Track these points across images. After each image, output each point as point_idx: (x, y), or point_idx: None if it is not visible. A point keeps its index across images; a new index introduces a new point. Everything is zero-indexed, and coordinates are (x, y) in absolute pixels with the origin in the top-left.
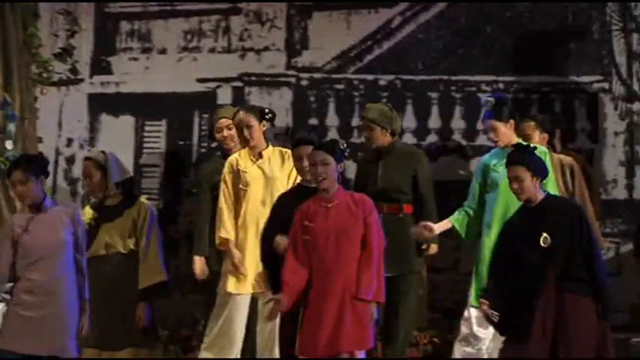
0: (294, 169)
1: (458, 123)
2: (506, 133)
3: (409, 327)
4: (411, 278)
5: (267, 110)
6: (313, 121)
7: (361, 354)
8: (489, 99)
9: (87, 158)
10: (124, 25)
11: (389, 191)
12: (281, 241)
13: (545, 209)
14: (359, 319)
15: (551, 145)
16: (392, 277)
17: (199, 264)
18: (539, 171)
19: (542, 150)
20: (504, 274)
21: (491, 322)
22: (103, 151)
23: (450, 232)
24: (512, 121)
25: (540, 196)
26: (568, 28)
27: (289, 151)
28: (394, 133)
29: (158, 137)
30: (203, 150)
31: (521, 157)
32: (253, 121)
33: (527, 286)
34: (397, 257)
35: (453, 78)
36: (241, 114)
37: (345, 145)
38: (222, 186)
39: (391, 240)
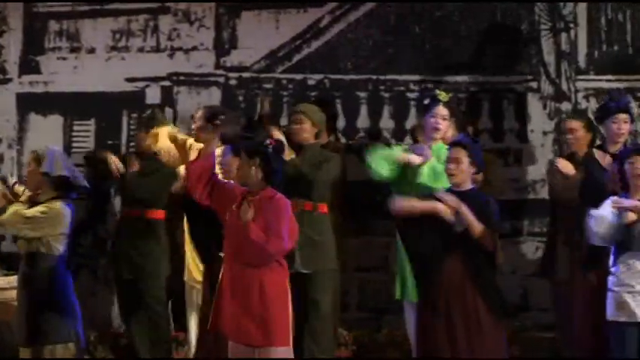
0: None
1: (387, 122)
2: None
3: (330, 325)
4: (327, 275)
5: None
6: (242, 120)
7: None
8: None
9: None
10: (53, 25)
11: (302, 188)
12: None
13: (464, 197)
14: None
15: None
16: (308, 274)
17: None
18: (478, 161)
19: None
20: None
21: None
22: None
23: (379, 231)
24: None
25: (468, 186)
26: (497, 28)
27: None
28: (318, 134)
29: (87, 137)
30: (132, 149)
31: (466, 142)
32: None
33: (437, 265)
34: (310, 255)
35: (382, 77)
36: None
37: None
38: None
39: (306, 237)
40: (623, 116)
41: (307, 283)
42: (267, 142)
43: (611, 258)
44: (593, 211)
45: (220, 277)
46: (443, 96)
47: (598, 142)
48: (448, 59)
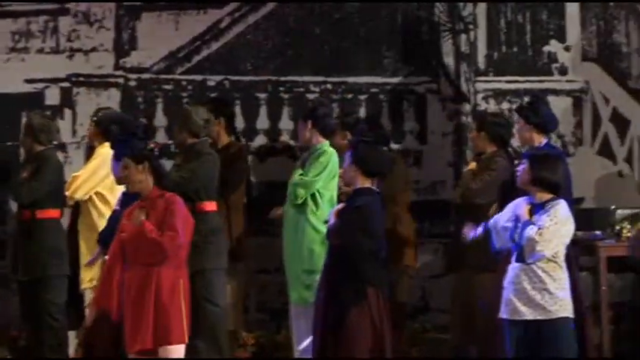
0: None
1: (286, 124)
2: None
3: (222, 326)
4: (211, 275)
5: None
6: (142, 121)
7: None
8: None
9: None
10: None
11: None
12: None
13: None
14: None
15: None
16: (192, 273)
17: None
18: (361, 162)
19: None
20: None
21: None
22: None
23: (276, 232)
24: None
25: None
26: (397, 29)
27: None
28: (195, 135)
29: None
30: None
31: (354, 142)
32: None
33: None
34: (192, 254)
35: (282, 79)
36: None
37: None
38: None
39: None
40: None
41: (192, 283)
42: (152, 146)
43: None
44: (491, 223)
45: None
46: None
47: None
48: (348, 60)
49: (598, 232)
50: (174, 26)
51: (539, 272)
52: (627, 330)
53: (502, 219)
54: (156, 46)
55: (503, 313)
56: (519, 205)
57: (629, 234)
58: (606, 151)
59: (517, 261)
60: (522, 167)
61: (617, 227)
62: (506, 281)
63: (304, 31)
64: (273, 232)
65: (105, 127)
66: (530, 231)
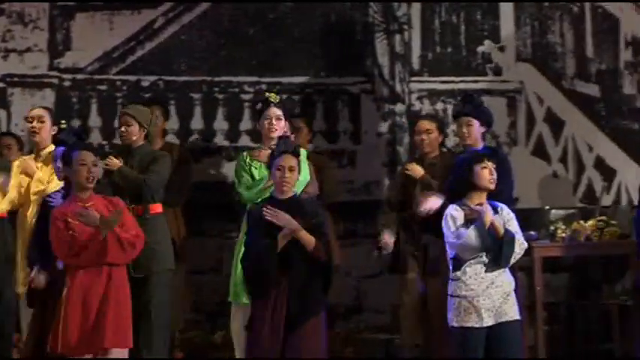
0: None
1: (221, 124)
2: None
3: (165, 327)
4: (161, 278)
5: None
6: (76, 122)
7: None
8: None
9: None
10: None
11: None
12: None
13: (291, 205)
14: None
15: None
16: (141, 277)
17: None
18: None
19: (303, 152)
20: None
21: None
22: None
23: (214, 232)
24: None
25: (291, 193)
26: (331, 30)
27: None
28: (146, 135)
29: None
30: None
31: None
32: None
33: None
34: (145, 257)
35: (216, 79)
36: None
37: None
38: None
39: None
40: (465, 119)
41: (140, 286)
42: None
43: (452, 264)
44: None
45: (65, 292)
46: (273, 97)
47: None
48: (282, 61)
49: (533, 233)
50: (109, 26)
51: (505, 276)
52: (562, 330)
53: (461, 233)
54: (90, 47)
55: (469, 322)
56: (483, 212)
57: (563, 234)
58: (540, 151)
59: (490, 268)
60: (488, 168)
61: (552, 227)
62: (468, 290)
63: (238, 32)
64: (207, 233)
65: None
66: (521, 238)
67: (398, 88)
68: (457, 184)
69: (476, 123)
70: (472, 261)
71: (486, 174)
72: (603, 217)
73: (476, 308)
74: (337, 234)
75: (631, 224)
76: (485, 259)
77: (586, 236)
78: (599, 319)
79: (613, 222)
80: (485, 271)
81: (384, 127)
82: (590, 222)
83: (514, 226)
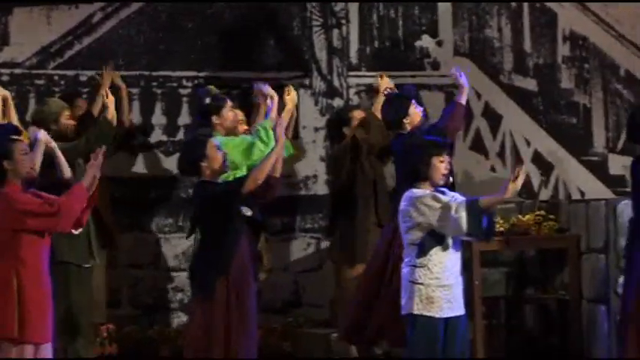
0: None
1: (159, 119)
2: None
3: (88, 319)
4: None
5: None
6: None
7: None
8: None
9: None
10: None
11: None
12: None
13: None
14: None
15: None
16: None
17: None
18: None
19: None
20: None
21: None
22: None
23: (148, 227)
24: None
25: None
26: (269, 25)
27: None
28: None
29: None
30: None
31: None
32: None
33: None
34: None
35: (154, 74)
36: None
37: None
38: None
39: None
40: None
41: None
42: None
43: (415, 250)
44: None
45: None
46: (214, 91)
47: None
48: (220, 55)
49: None
50: (46, 21)
51: (459, 266)
52: (500, 325)
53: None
54: (28, 42)
55: (431, 311)
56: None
57: (501, 228)
58: (478, 146)
59: (433, 245)
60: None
61: None
62: (433, 278)
63: (176, 26)
64: (145, 228)
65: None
66: None
67: (336, 82)
68: (412, 172)
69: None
70: (438, 248)
71: (442, 168)
72: (541, 212)
73: (437, 298)
74: (275, 229)
75: (569, 219)
76: (449, 245)
77: (524, 230)
78: (538, 313)
79: (551, 216)
80: (449, 261)
81: (322, 121)
82: (529, 216)
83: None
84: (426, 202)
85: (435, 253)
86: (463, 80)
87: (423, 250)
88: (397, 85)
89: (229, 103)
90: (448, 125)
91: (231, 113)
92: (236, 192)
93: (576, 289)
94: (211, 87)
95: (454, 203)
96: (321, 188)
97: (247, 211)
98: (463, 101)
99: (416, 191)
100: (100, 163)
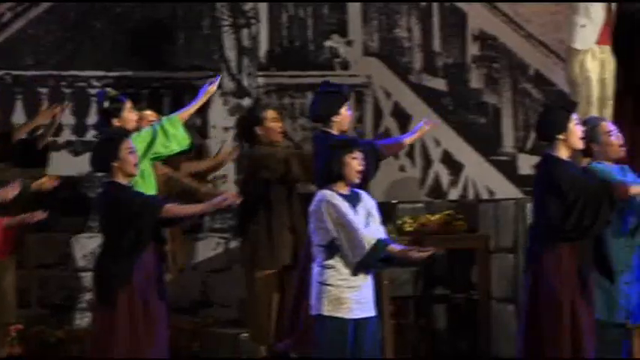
0: None
1: (68, 118)
2: None
3: None
4: None
5: None
6: None
7: None
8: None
9: None
10: None
11: None
12: None
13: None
14: None
15: None
16: None
17: None
18: None
19: None
20: None
21: None
22: None
23: (57, 227)
24: None
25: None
26: (178, 24)
27: None
28: None
29: None
30: None
31: None
32: None
33: None
34: None
35: (63, 73)
36: None
37: None
38: None
39: None
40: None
41: None
42: None
43: (324, 251)
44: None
45: None
46: (113, 93)
47: None
48: (129, 55)
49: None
50: None
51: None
52: (409, 325)
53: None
54: None
55: (339, 312)
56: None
57: (410, 228)
58: None
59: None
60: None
61: (399, 222)
62: (341, 279)
63: (85, 26)
64: (54, 228)
65: None
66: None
67: (245, 82)
68: (326, 171)
69: None
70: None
71: (356, 165)
72: (450, 212)
73: (347, 299)
74: (184, 229)
75: (479, 218)
76: None
77: (433, 230)
78: (447, 313)
79: (460, 216)
80: None
81: (231, 121)
82: (437, 216)
83: (376, 214)
84: (331, 210)
85: (340, 255)
86: (423, 129)
87: (331, 251)
88: (308, 85)
89: (129, 104)
90: (383, 150)
91: (132, 114)
92: (153, 213)
93: (485, 288)
94: (109, 89)
95: (361, 233)
96: (230, 188)
97: None
98: (407, 142)
99: (326, 193)
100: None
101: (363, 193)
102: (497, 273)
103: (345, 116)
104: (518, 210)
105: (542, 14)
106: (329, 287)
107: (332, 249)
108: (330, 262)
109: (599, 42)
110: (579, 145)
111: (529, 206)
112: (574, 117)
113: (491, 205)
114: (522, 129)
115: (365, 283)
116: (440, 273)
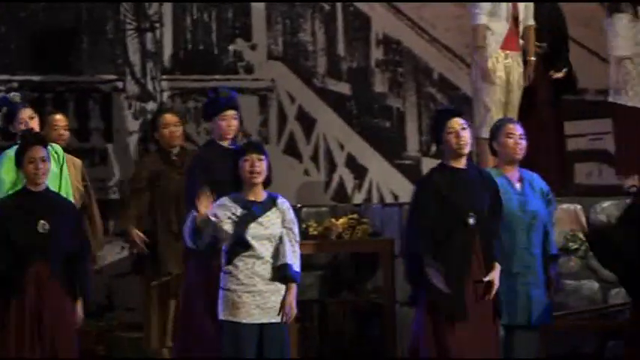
0: None
1: None
2: None
3: None
4: None
5: None
6: None
7: None
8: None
9: None
10: None
11: None
12: None
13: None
14: None
15: None
16: None
17: None
18: None
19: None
20: None
21: None
22: None
23: None
24: None
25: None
26: (82, 27)
27: None
28: None
29: None
30: None
31: None
32: None
33: None
34: None
35: None
36: None
37: None
38: None
39: None
40: (231, 112)
41: None
42: None
43: (224, 257)
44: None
45: None
46: (17, 98)
47: None
48: (34, 59)
49: None
50: None
51: (271, 272)
52: (314, 328)
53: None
54: None
55: (238, 317)
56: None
57: (315, 232)
58: (292, 149)
59: (240, 250)
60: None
61: (304, 225)
62: (239, 284)
63: None
64: None
65: None
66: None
67: (149, 86)
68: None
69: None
70: (244, 254)
71: (247, 167)
72: (354, 215)
73: (245, 304)
74: None
75: (383, 222)
76: (261, 255)
77: (338, 234)
78: (352, 316)
79: (364, 220)
80: (259, 268)
81: (135, 125)
82: (342, 220)
83: (291, 215)
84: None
85: (241, 260)
86: None
87: (229, 257)
88: (212, 89)
89: (26, 110)
90: None
91: (27, 119)
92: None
93: (389, 292)
94: (13, 94)
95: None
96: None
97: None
98: None
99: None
100: None
101: (281, 199)
102: (402, 277)
103: (218, 126)
104: None
105: (447, 18)
106: (226, 292)
107: (229, 255)
108: (229, 267)
109: (503, 47)
110: (455, 150)
111: None
112: (454, 122)
113: (396, 209)
114: (426, 133)
115: (268, 289)
116: (345, 277)
